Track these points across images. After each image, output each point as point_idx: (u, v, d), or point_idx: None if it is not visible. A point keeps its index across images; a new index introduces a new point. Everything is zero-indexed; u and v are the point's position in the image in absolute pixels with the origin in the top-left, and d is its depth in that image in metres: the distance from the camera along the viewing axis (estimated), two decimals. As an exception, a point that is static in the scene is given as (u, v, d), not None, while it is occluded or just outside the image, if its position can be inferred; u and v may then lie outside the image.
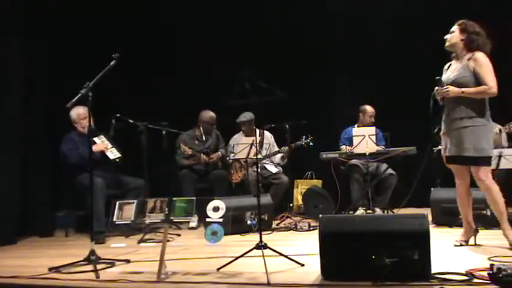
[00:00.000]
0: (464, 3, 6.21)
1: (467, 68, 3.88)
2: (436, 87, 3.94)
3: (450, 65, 4.10)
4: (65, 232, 5.71)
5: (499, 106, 4.08)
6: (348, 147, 6.09)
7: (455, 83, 3.87)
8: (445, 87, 3.87)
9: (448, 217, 5.03)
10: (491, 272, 2.80)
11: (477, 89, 3.80)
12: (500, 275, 2.72)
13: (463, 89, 3.81)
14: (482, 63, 3.82)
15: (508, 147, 5.26)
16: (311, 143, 6.21)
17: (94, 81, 3.86)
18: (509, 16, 6.00)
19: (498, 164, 4.76)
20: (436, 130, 5.16)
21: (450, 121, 3.94)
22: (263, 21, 6.84)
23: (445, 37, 4.03)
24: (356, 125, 6.42)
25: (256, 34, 6.90)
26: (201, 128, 6.34)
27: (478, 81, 3.82)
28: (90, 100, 3.87)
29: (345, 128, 6.47)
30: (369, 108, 6.40)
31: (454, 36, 3.98)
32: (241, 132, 6.55)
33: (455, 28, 4.00)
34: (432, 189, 5.38)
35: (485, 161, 3.84)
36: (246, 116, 6.34)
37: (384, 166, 6.04)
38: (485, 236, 4.20)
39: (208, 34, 6.94)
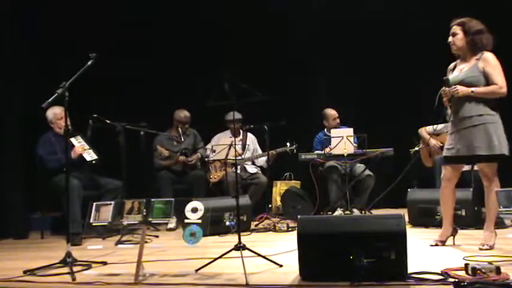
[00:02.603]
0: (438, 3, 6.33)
1: (476, 68, 3.85)
2: (443, 88, 3.89)
3: (456, 65, 4.04)
4: (41, 234, 5.62)
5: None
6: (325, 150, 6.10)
7: (464, 83, 3.83)
8: (453, 87, 3.83)
9: (424, 217, 5.10)
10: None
11: (487, 89, 3.79)
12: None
13: (472, 89, 3.78)
14: (492, 63, 3.81)
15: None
16: (295, 150, 6.23)
17: (70, 81, 3.81)
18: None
19: (473, 166, 4.83)
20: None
21: (458, 120, 3.89)
22: (244, 21, 6.84)
23: (449, 41, 3.96)
24: (325, 129, 6.45)
25: (236, 34, 6.91)
26: (179, 129, 6.31)
27: (487, 81, 3.81)
28: (66, 100, 3.82)
29: (316, 134, 6.50)
30: (329, 112, 6.41)
31: (458, 39, 3.92)
32: (228, 130, 6.54)
33: (457, 30, 3.92)
34: (409, 190, 5.43)
35: (496, 158, 3.81)
36: (236, 114, 6.27)
37: (362, 167, 6.09)
38: (461, 236, 4.25)
39: (189, 32, 6.92)
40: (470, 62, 3.91)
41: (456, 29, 3.94)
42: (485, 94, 3.79)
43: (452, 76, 3.96)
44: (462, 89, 3.80)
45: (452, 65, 4.09)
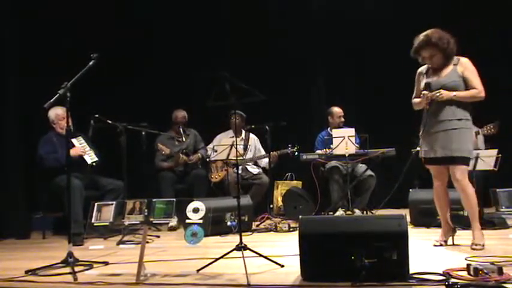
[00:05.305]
0: (435, 3, 6.33)
1: (455, 72, 3.95)
2: (425, 92, 3.96)
3: (428, 68, 4.10)
4: (42, 234, 5.63)
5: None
6: (326, 149, 6.10)
7: (446, 87, 3.91)
8: (436, 91, 3.91)
9: (426, 218, 5.10)
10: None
11: (468, 93, 3.90)
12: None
13: (454, 93, 3.89)
14: (470, 68, 3.95)
15: (485, 149, 5.36)
16: (296, 153, 6.22)
17: (72, 81, 3.81)
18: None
19: (475, 166, 4.84)
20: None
21: (436, 123, 3.97)
22: (244, 21, 6.84)
23: (425, 62, 4.04)
24: (328, 128, 6.45)
25: (236, 34, 6.91)
26: (180, 128, 6.31)
27: (466, 85, 3.92)
28: (68, 100, 3.82)
29: (319, 133, 6.50)
30: (335, 110, 6.44)
31: (438, 58, 3.96)
32: (230, 130, 6.54)
33: (433, 51, 3.94)
34: (410, 190, 5.44)
35: (466, 161, 3.95)
36: (238, 113, 6.28)
37: (363, 167, 6.09)
38: (462, 236, 4.26)
39: (189, 33, 6.92)
40: (448, 67, 4.00)
41: (430, 51, 3.96)
42: (466, 98, 3.92)
43: (431, 80, 4.02)
44: (446, 93, 3.90)
45: (423, 68, 4.15)
